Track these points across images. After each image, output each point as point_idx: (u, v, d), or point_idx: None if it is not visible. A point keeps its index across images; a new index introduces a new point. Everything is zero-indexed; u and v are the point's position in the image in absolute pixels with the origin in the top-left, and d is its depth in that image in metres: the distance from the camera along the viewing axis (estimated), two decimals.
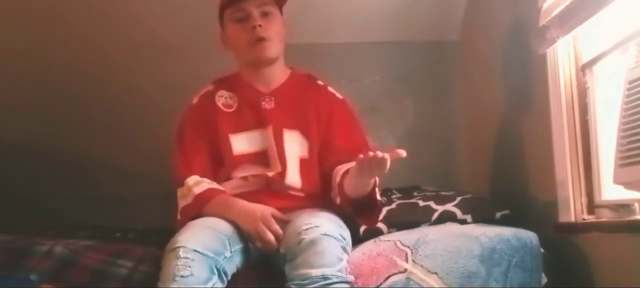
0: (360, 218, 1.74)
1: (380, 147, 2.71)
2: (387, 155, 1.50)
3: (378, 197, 1.73)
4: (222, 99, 1.88)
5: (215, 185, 1.78)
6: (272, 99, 1.86)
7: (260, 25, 1.79)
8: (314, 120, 1.86)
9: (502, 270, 1.69)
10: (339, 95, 1.94)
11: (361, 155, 1.54)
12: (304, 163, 1.83)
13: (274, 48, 1.83)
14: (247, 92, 1.88)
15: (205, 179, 1.78)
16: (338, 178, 1.74)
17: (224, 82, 1.91)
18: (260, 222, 1.62)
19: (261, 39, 1.80)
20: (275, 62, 1.86)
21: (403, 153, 1.51)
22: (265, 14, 1.81)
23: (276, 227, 1.62)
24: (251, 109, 1.86)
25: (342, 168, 1.75)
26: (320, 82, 1.94)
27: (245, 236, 1.65)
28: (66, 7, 2.55)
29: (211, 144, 1.84)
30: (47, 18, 2.59)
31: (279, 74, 1.89)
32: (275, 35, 1.82)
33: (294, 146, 1.83)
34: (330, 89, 1.94)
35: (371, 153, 1.51)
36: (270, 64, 1.86)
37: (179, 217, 1.78)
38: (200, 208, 1.73)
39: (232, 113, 1.86)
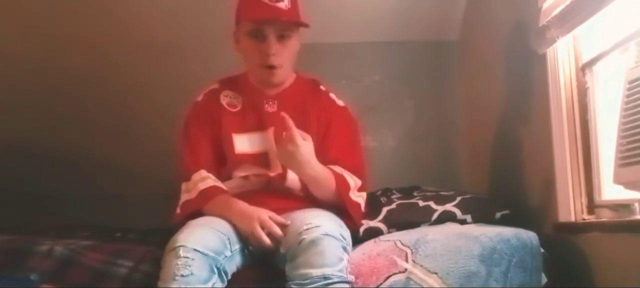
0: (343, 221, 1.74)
1: (380, 147, 2.77)
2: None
3: (353, 199, 1.79)
4: (227, 98, 1.89)
5: (219, 184, 1.79)
6: (275, 102, 1.87)
7: (274, 55, 1.78)
8: (314, 126, 1.86)
9: (502, 270, 1.68)
10: (340, 103, 1.94)
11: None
12: None
13: (283, 74, 1.84)
14: (252, 94, 1.88)
15: (210, 175, 1.79)
16: None
17: (229, 82, 1.92)
18: (257, 224, 1.63)
19: (272, 67, 1.80)
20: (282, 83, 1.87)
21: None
22: (282, 37, 1.79)
23: (275, 229, 1.63)
24: (254, 111, 1.87)
25: None
26: (322, 88, 1.94)
27: (243, 237, 1.66)
28: (66, 7, 2.55)
29: (215, 141, 1.85)
30: (47, 18, 2.59)
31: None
32: (287, 61, 1.82)
33: None
34: (331, 95, 1.94)
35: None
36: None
37: (178, 210, 1.78)
38: (202, 204, 1.74)
39: (236, 113, 1.87)
